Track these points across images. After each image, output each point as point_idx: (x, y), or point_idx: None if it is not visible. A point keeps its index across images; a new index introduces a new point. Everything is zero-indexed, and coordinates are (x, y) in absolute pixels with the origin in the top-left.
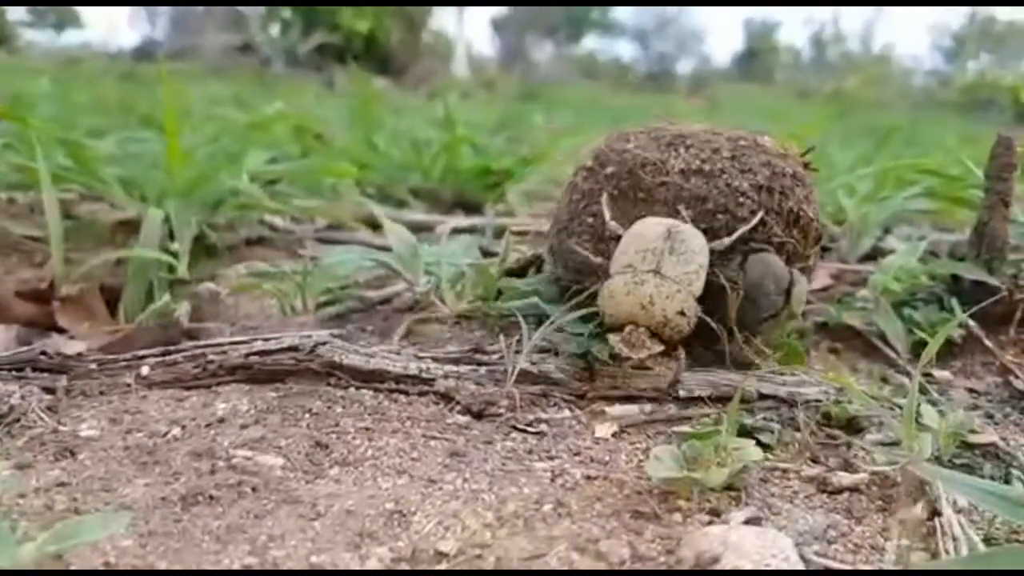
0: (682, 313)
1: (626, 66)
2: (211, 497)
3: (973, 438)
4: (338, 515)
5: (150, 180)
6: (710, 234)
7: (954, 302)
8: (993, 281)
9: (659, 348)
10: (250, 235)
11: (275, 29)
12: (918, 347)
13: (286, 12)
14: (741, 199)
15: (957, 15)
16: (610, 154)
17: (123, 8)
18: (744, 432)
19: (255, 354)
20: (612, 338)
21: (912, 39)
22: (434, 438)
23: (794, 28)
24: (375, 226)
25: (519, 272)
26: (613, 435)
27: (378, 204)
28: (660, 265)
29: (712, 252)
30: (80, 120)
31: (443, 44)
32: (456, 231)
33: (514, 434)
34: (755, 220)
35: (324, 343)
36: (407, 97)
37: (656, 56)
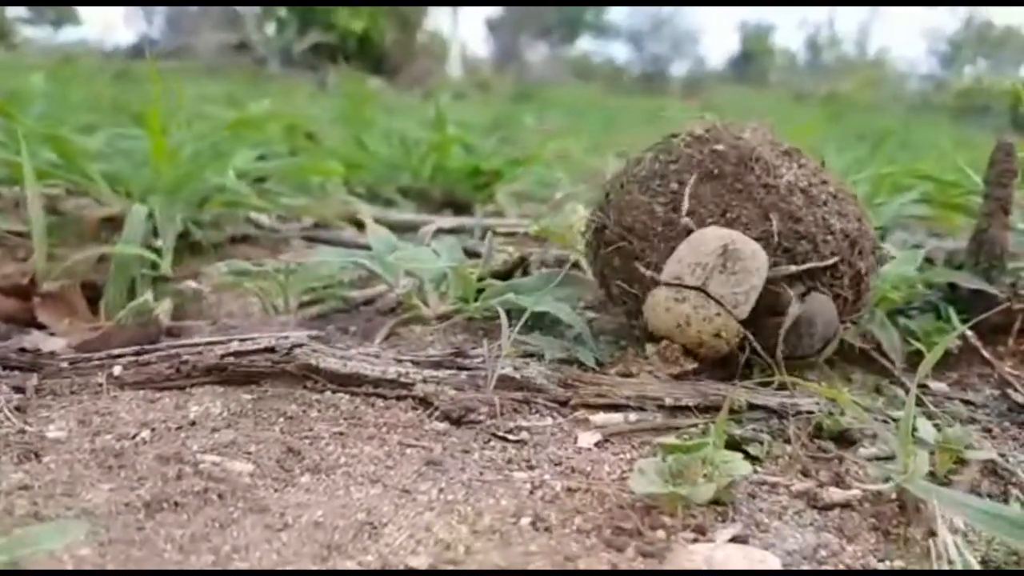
0: (719, 335)
1: (620, 68)
2: (176, 504)
3: (970, 454)
4: (306, 526)
5: (136, 177)
6: (787, 256)
7: (951, 311)
8: (992, 290)
9: (692, 366)
10: (235, 233)
11: (271, 28)
12: (914, 357)
13: (282, 11)
14: (829, 237)
15: (953, 20)
16: (725, 134)
17: (120, 6)
18: (732, 443)
19: (230, 355)
20: (649, 348)
21: (908, 43)
22: (410, 445)
23: (789, 31)
24: (362, 225)
25: (505, 274)
26: (596, 444)
27: (367, 203)
28: (707, 282)
29: (776, 276)
30: (72, 117)
31: (438, 44)
32: (440, 231)
33: (494, 442)
34: (830, 261)
35: (301, 345)
36: (402, 97)
37: (650, 58)
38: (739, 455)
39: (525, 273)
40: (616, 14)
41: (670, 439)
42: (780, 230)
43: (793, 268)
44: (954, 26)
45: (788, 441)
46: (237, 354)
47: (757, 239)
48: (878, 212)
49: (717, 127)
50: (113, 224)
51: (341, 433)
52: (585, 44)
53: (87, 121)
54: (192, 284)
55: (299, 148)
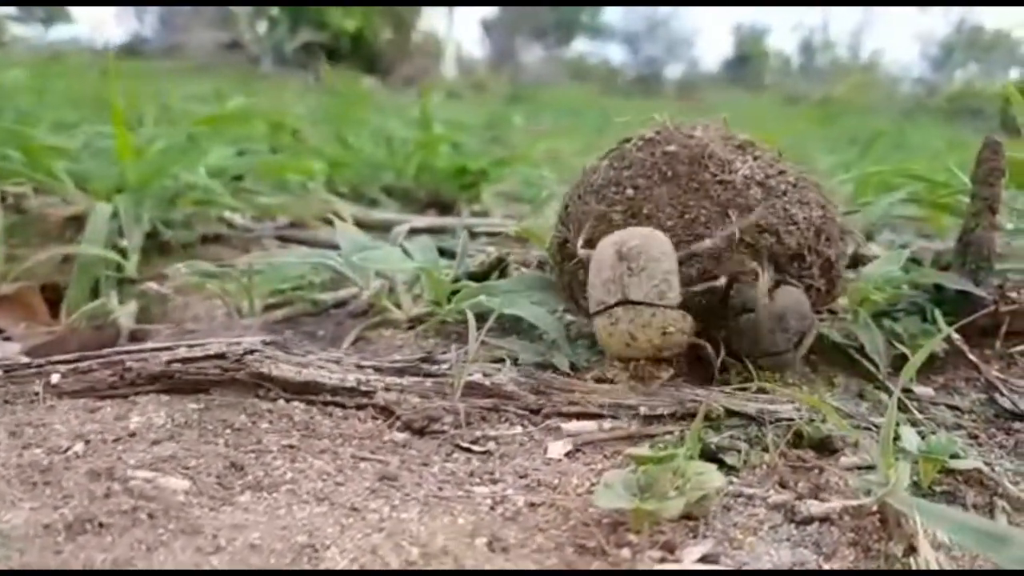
0: (667, 332)
1: (615, 69)
2: (101, 525)
3: (955, 464)
4: (240, 549)
5: (105, 175)
6: (751, 251)
7: (937, 313)
8: (978, 291)
9: (668, 373)
10: (207, 232)
11: (263, 27)
12: (899, 360)
13: (274, 10)
14: (792, 228)
15: (945, 23)
16: (676, 134)
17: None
18: (708, 452)
19: (178, 362)
20: (622, 376)
21: (900, 47)
22: (365, 459)
23: (783, 34)
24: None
25: (481, 276)
26: (567, 455)
27: (350, 203)
28: (625, 292)
29: (697, 254)
30: (51, 114)
31: (433, 44)
32: (415, 231)
33: (456, 454)
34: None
35: (254, 351)
36: (395, 97)
37: (645, 60)
38: (713, 466)
39: (503, 275)
40: (612, 16)
41: (643, 449)
42: (741, 228)
43: (707, 243)
44: (945, 30)
45: (767, 449)
46: (185, 361)
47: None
48: (865, 212)
49: (668, 128)
50: (79, 224)
51: (291, 446)
52: (581, 46)
53: (67, 119)
54: (154, 286)
55: (281, 146)
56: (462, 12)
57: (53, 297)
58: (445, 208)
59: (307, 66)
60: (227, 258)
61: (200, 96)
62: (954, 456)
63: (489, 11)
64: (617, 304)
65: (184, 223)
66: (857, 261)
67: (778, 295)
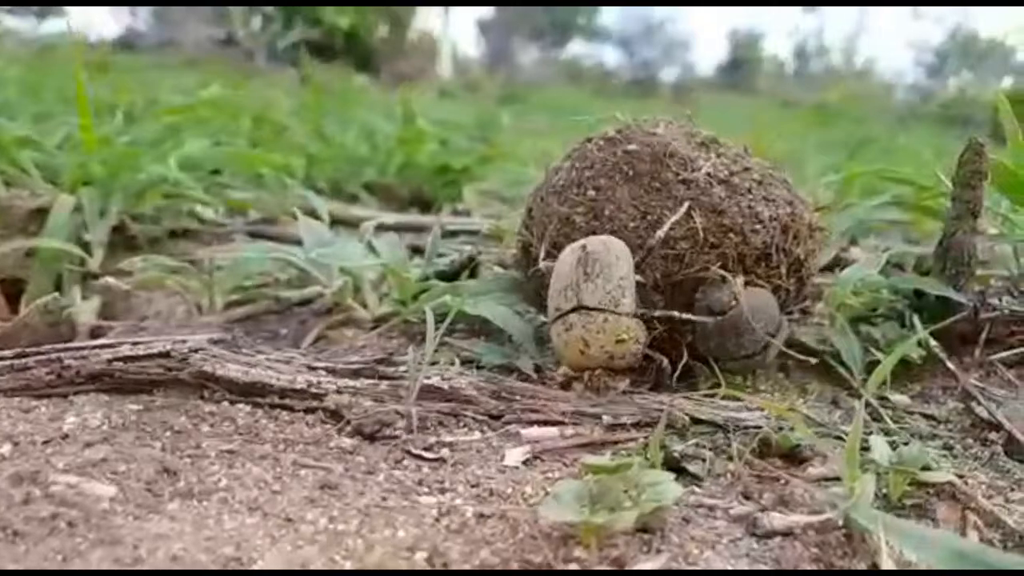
0: (621, 340)
1: (610, 72)
2: (16, 534)
3: (926, 477)
4: (162, 561)
5: (73, 167)
6: (716, 252)
7: (916, 319)
8: (958, 297)
9: (623, 383)
10: (175, 227)
11: (257, 23)
12: (875, 367)
13: (268, 6)
14: (757, 226)
15: (939, 31)
16: (636, 132)
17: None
18: (671, 460)
19: (120, 360)
20: (577, 387)
21: (894, 54)
22: (307, 466)
23: (778, 40)
24: (318, 220)
25: (451, 275)
26: (524, 462)
27: (329, 199)
28: (580, 298)
29: (648, 248)
30: (36, 107)
31: (428, 43)
32: (389, 228)
33: (407, 461)
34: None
35: (199, 350)
36: (387, 95)
37: (641, 63)
38: (670, 476)
39: (472, 274)
40: (608, 18)
41: (604, 457)
42: (704, 225)
43: (660, 234)
44: (940, 37)
45: (732, 458)
46: (127, 359)
47: (682, 237)
48: (846, 215)
49: (630, 127)
50: (45, 217)
51: (230, 451)
52: (576, 48)
53: (54, 111)
54: (111, 281)
55: (262, 140)
56: (458, 12)
57: (14, 292)
58: (427, 206)
59: (300, 63)
60: (194, 253)
61: (189, 90)
62: (926, 468)
63: (485, 11)
64: (572, 310)
65: (153, 217)
66: (837, 264)
67: (745, 297)
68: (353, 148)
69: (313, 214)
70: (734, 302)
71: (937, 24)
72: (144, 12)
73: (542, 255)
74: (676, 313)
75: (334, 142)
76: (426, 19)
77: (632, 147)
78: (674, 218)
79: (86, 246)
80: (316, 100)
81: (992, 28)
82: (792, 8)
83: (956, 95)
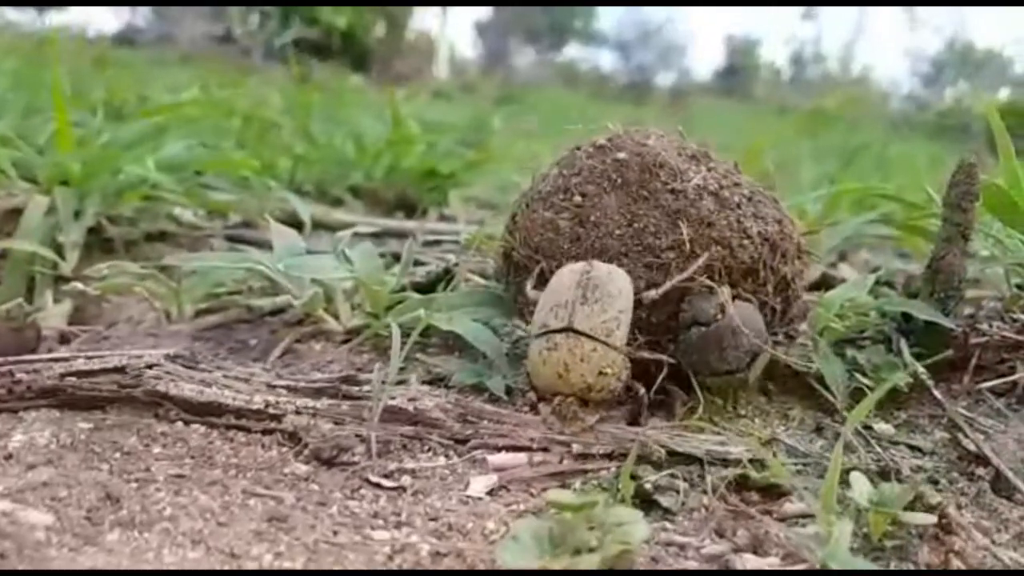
0: (604, 373)
1: (606, 75)
2: None
3: (907, 517)
4: None
5: (45, 166)
6: (702, 267)
7: (903, 344)
8: (947, 322)
9: (593, 419)
10: (152, 230)
11: (255, 21)
12: (860, 393)
13: (266, 6)
14: (745, 242)
15: (936, 40)
16: (627, 141)
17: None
18: (643, 493)
19: (72, 375)
20: (543, 409)
21: (891, 63)
22: (257, 494)
23: (775, 46)
24: (298, 225)
25: (427, 287)
26: (489, 493)
27: (314, 202)
28: (572, 319)
29: (640, 302)
30: (29, 101)
31: (425, 44)
32: (360, 235)
33: (364, 489)
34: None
35: (153, 366)
36: (383, 95)
37: (637, 67)
38: (638, 515)
39: (448, 286)
40: (604, 22)
41: (570, 491)
42: (691, 236)
43: (657, 293)
44: (937, 47)
45: (707, 492)
46: (80, 374)
47: (668, 248)
48: (834, 231)
49: (620, 135)
50: (20, 217)
51: (180, 475)
52: (573, 51)
53: (45, 106)
54: (79, 286)
55: (248, 140)
56: (456, 13)
57: None
58: (413, 211)
59: (298, 61)
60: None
61: (183, 87)
62: (909, 507)
63: (482, 13)
64: (561, 331)
65: (131, 219)
66: (823, 284)
67: (731, 309)
68: (340, 150)
69: (295, 218)
70: (720, 314)
71: (935, 34)
72: (143, 8)
73: (530, 286)
74: (664, 357)
75: (321, 143)
76: (423, 20)
77: (621, 155)
78: (676, 280)
79: (61, 248)
80: (304, 100)
81: (990, 38)
82: (790, 15)
83: (953, 105)
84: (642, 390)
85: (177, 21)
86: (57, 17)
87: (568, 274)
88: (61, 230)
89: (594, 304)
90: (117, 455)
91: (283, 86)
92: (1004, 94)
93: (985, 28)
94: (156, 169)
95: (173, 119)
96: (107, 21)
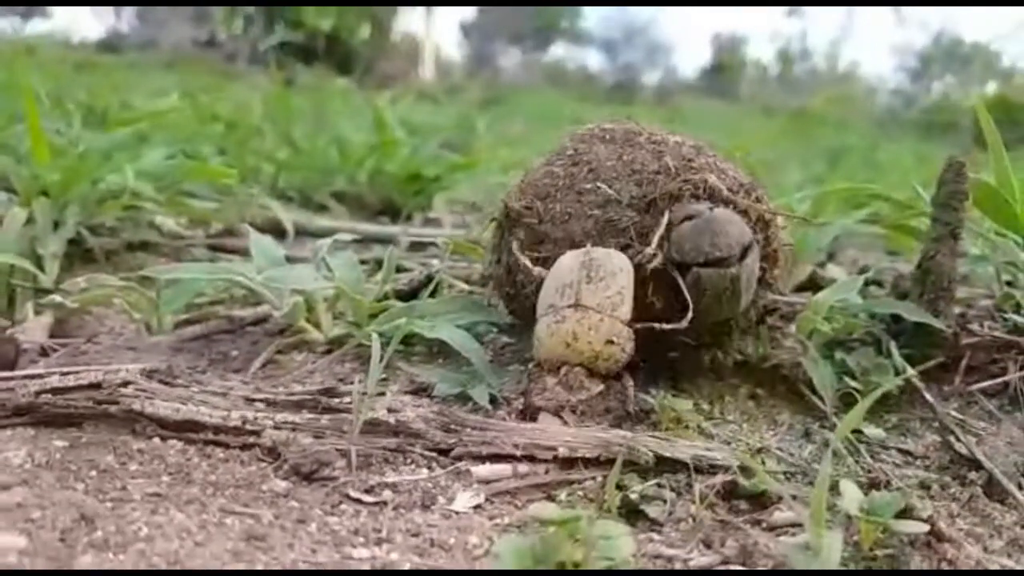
0: (611, 342)
1: (593, 75)
2: None
3: (899, 526)
4: None
5: (23, 177)
6: (688, 184)
7: (893, 346)
8: (937, 324)
9: (599, 387)
10: (133, 239)
11: (238, 25)
12: (849, 397)
13: (250, 8)
14: (723, 176)
15: (922, 35)
16: (614, 124)
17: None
18: (629, 503)
19: (47, 392)
20: (549, 380)
21: (877, 58)
22: (235, 512)
23: (761, 44)
24: (281, 232)
25: (409, 294)
26: (474, 507)
27: (297, 208)
28: (579, 297)
29: (639, 267)
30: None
31: (411, 46)
32: (342, 243)
33: (344, 505)
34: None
35: (129, 383)
36: (369, 98)
37: (623, 66)
38: (624, 529)
39: (433, 294)
40: (590, 21)
41: (555, 504)
42: (675, 165)
43: (649, 250)
44: (923, 42)
45: (695, 501)
46: (55, 391)
47: (656, 172)
48: (823, 232)
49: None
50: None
51: (157, 494)
52: (559, 51)
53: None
54: (57, 299)
55: (230, 146)
56: (441, 14)
57: None
58: (397, 215)
59: (281, 65)
60: (152, 267)
61: (166, 93)
62: (900, 515)
63: (467, 14)
64: (568, 307)
65: (112, 229)
66: (812, 284)
67: (717, 210)
68: (324, 155)
69: (278, 225)
70: (710, 209)
71: (921, 29)
72: (127, 13)
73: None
74: (657, 324)
75: (304, 149)
76: (408, 22)
77: (607, 125)
78: (660, 231)
79: (41, 260)
80: (285, 104)
81: (976, 33)
82: (775, 12)
83: (940, 100)
84: (630, 382)
85: (161, 26)
86: (41, 24)
87: (569, 258)
88: (40, 241)
89: (598, 282)
90: (93, 473)
91: (267, 90)
92: (991, 88)
93: (971, 22)
94: (136, 177)
95: (154, 126)
96: (91, 27)
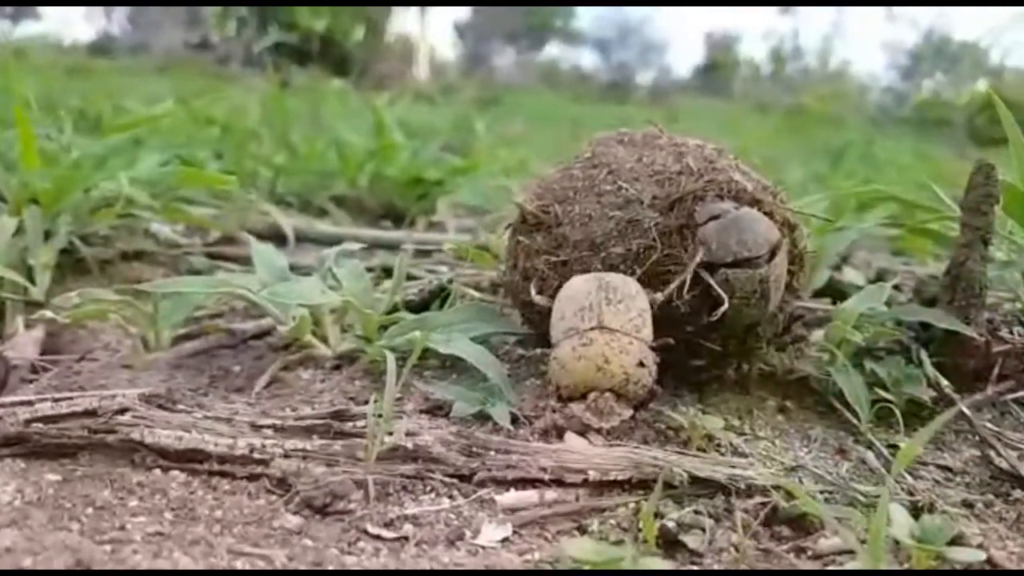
0: (641, 364)
1: (587, 75)
2: None
3: (953, 554)
4: None
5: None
6: (712, 185)
7: (923, 355)
8: (969, 332)
9: (629, 412)
10: (128, 249)
11: (231, 27)
12: (881, 410)
13: (243, 10)
14: (746, 178)
15: (913, 33)
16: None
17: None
18: (667, 534)
19: (38, 420)
20: (575, 408)
21: (868, 57)
22: (244, 554)
23: (754, 42)
24: (282, 238)
25: (420, 305)
26: (502, 540)
27: (297, 213)
28: (602, 319)
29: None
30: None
31: (405, 46)
32: (345, 253)
33: (363, 542)
34: None
35: (127, 410)
36: (365, 100)
37: (617, 66)
38: (665, 567)
39: (443, 304)
40: (584, 21)
41: (589, 540)
42: (698, 166)
43: (670, 290)
44: (914, 40)
45: (735, 529)
46: (47, 419)
47: (678, 173)
48: (841, 236)
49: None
50: None
51: (159, 533)
52: (553, 51)
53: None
54: (48, 314)
55: (226, 151)
56: (435, 14)
57: None
58: (399, 219)
59: (277, 67)
60: (150, 277)
61: (160, 97)
62: (953, 542)
63: (461, 15)
64: (592, 329)
65: (106, 238)
66: (832, 290)
67: (743, 209)
68: (322, 159)
69: (278, 231)
70: (734, 208)
71: (911, 27)
72: (119, 17)
73: (533, 292)
74: (670, 341)
75: (303, 153)
76: (403, 22)
77: (625, 130)
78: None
79: (32, 271)
80: (281, 107)
81: (966, 30)
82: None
83: (931, 97)
84: (657, 387)
85: (153, 29)
86: (31, 26)
87: (582, 282)
88: (31, 252)
89: (618, 304)
90: (89, 511)
91: (262, 93)
92: (981, 85)
93: (961, 19)
94: (131, 184)
95: (149, 131)
96: (82, 30)
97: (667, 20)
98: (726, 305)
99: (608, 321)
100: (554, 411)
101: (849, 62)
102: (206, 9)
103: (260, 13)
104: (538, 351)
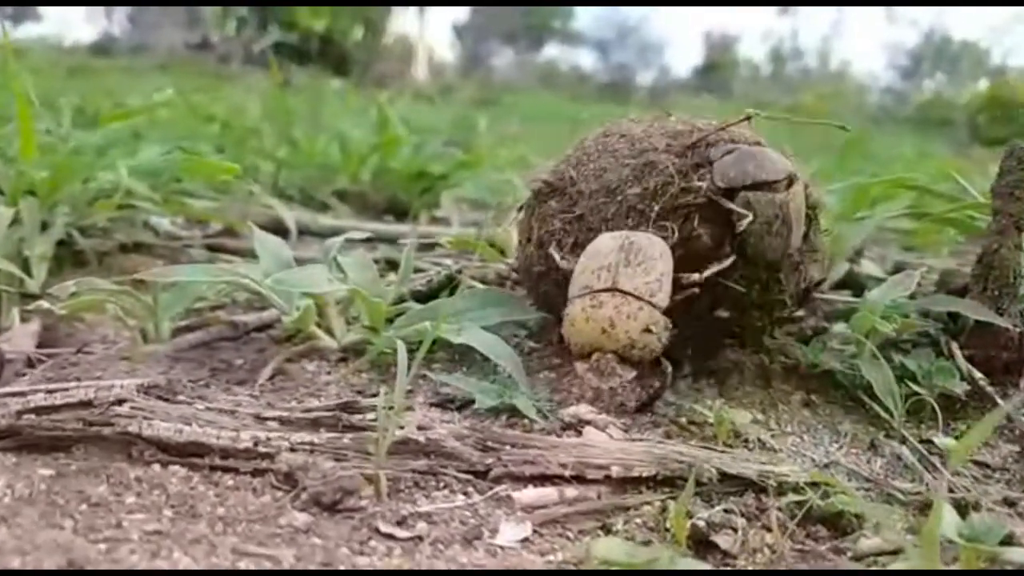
0: (648, 330)
1: (586, 75)
2: None
3: (1008, 554)
4: None
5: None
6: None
7: (954, 346)
8: (1003, 323)
9: (631, 374)
10: (126, 240)
11: (231, 27)
12: (912, 403)
13: (243, 9)
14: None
15: (913, 34)
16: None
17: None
18: (698, 534)
19: (31, 412)
20: (579, 367)
21: (868, 57)
22: (249, 554)
23: (753, 42)
24: (284, 232)
25: (428, 296)
26: (521, 540)
27: (299, 207)
28: (616, 280)
29: (680, 283)
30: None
31: (404, 47)
32: (352, 242)
33: (374, 541)
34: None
35: (124, 401)
36: (364, 99)
37: (616, 66)
38: (701, 566)
39: (452, 294)
40: (583, 22)
41: (617, 540)
42: (707, 126)
43: (699, 276)
44: (914, 40)
45: (769, 528)
46: (40, 411)
47: (691, 131)
48: (859, 227)
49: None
50: None
51: (158, 532)
52: (552, 51)
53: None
54: (44, 305)
55: (227, 145)
56: (434, 15)
57: None
58: (403, 214)
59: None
60: (147, 269)
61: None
62: (1006, 542)
63: (460, 15)
64: (605, 290)
65: (105, 230)
66: (850, 282)
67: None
68: (325, 153)
69: (280, 225)
70: (748, 145)
71: (912, 27)
72: (119, 17)
73: (559, 256)
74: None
75: (305, 147)
76: (402, 22)
77: (625, 120)
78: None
79: (28, 263)
80: (282, 102)
81: (966, 31)
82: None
83: (932, 97)
84: (669, 367)
85: (153, 29)
86: (32, 27)
87: (608, 240)
88: (27, 243)
89: (637, 267)
90: (83, 507)
91: (263, 91)
92: (982, 85)
93: (961, 19)
94: (130, 175)
95: (148, 124)
96: (83, 31)
97: (666, 20)
98: (750, 217)
99: (623, 283)
100: (564, 428)
101: (849, 62)
102: (206, 9)
103: (260, 13)
104: (551, 345)
